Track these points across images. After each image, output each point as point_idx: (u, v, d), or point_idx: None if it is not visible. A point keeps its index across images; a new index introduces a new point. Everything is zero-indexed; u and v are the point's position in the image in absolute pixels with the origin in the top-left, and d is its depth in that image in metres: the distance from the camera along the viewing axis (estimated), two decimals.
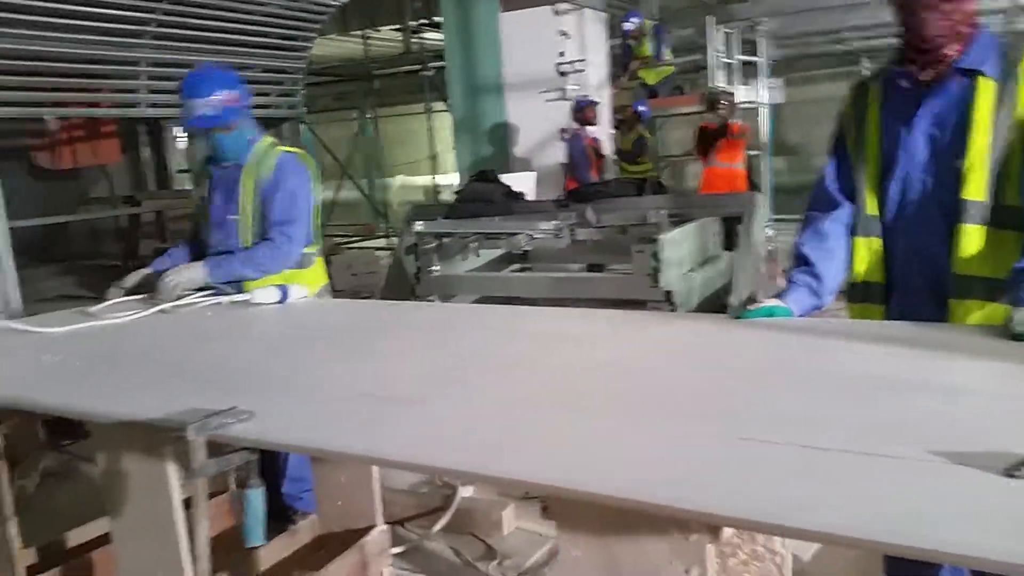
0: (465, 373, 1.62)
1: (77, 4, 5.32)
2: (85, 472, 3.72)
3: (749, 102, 8.88)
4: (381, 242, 12.31)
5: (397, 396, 1.45)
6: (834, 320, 1.92)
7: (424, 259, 4.41)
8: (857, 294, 2.00)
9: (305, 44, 7.35)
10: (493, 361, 1.75)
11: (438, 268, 4.50)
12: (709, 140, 6.69)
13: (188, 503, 1.54)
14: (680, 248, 3.85)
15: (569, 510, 1.15)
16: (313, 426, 1.34)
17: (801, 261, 1.99)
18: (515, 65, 7.25)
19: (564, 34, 7.02)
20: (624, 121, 7.97)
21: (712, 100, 6.77)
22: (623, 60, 8.37)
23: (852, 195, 1.98)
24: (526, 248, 4.12)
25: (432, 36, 12.01)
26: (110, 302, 2.61)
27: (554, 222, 3.98)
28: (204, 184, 2.92)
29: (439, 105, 11.23)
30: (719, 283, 4.24)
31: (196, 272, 2.69)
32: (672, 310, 3.67)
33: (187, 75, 2.78)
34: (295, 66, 7.41)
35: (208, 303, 2.51)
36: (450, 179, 13.34)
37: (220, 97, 2.68)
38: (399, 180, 14.85)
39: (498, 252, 4.93)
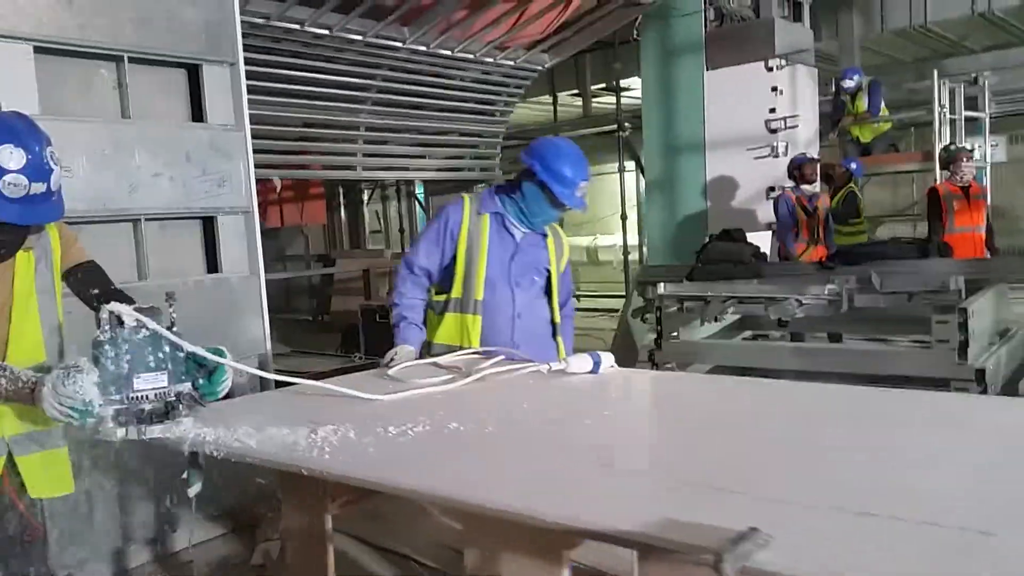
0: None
1: (315, 72, 5.56)
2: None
3: None
4: None
5: (955, 525, 1.06)
6: None
7: (667, 324, 4.12)
8: None
9: (506, 109, 7.40)
10: None
11: (677, 334, 4.20)
12: (944, 202, 5.98)
13: None
14: (985, 319, 3.36)
15: None
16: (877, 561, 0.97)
17: None
18: (718, 123, 7.00)
19: (776, 90, 6.70)
20: (832, 179, 7.44)
21: (950, 159, 6.09)
22: (832, 116, 7.91)
23: None
24: (797, 315, 3.72)
25: (609, 100, 11.99)
26: (403, 364, 2.46)
27: (829, 286, 3.59)
28: (479, 245, 2.64)
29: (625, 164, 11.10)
30: (1019, 358, 3.68)
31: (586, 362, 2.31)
32: (982, 392, 3.17)
33: (574, 154, 2.53)
34: (493, 130, 7.47)
35: (523, 371, 2.28)
36: (612, 240, 13.09)
37: None
38: None
39: (734, 317, 4.58)
